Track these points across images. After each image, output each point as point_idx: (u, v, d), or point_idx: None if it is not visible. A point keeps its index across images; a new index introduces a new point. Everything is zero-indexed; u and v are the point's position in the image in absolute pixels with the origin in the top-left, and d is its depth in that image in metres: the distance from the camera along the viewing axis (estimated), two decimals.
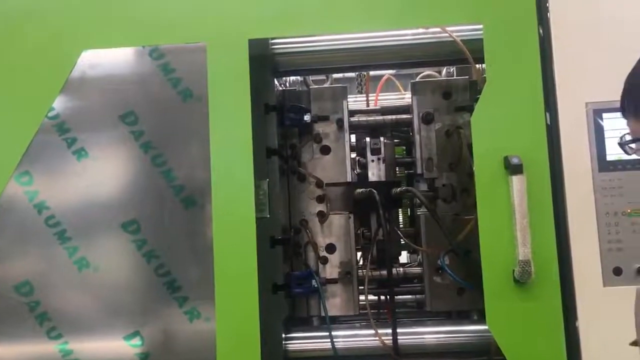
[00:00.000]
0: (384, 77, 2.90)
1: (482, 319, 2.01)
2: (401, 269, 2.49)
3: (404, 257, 2.97)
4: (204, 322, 1.92)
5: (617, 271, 1.85)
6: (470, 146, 2.18)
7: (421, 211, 2.36)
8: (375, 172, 2.46)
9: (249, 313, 1.89)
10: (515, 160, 1.86)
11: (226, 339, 1.89)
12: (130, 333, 1.95)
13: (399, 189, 2.34)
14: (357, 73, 3.21)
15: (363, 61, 2.35)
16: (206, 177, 1.92)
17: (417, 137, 2.37)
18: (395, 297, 2.33)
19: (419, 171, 2.36)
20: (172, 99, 1.99)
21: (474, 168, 2.06)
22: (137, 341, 1.94)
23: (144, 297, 1.97)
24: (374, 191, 2.25)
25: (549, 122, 1.93)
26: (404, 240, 2.42)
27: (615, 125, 1.87)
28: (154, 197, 1.98)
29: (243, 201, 1.92)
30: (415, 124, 2.38)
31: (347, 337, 2.18)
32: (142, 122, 1.99)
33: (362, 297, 2.29)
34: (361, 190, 2.31)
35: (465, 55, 2.11)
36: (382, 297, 2.50)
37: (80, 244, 1.97)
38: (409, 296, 2.62)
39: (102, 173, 1.99)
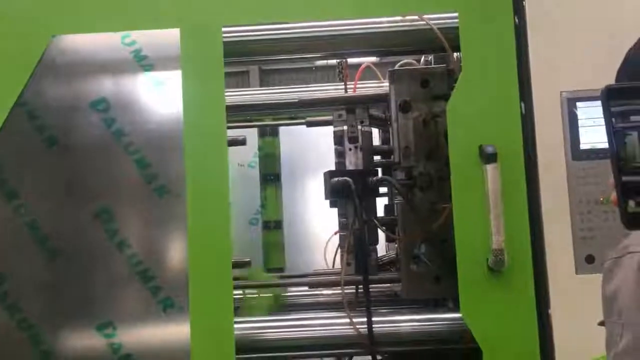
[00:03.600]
0: (363, 65, 2.89)
1: (457, 307, 2.03)
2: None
3: (382, 246, 2.97)
4: (178, 312, 1.91)
5: (590, 259, 1.87)
6: (447, 135, 2.18)
7: (399, 200, 2.36)
8: (353, 160, 2.45)
9: (223, 302, 1.89)
10: (489, 149, 1.86)
11: (200, 329, 1.88)
12: (103, 323, 1.94)
13: (375, 177, 2.33)
14: (337, 61, 3.20)
15: (340, 49, 2.33)
16: (180, 165, 1.90)
17: (394, 125, 2.36)
18: (372, 285, 2.33)
19: (396, 159, 2.36)
20: (144, 86, 1.96)
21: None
22: (110, 331, 1.93)
23: (117, 286, 1.95)
24: (350, 180, 2.24)
25: (523, 112, 1.94)
26: (380, 229, 2.41)
27: (590, 115, 1.89)
28: (126, 186, 1.96)
29: (218, 189, 1.90)
30: (393, 113, 2.37)
31: (322, 326, 2.18)
32: (114, 109, 1.96)
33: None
34: (337, 179, 2.30)
35: (442, 43, 2.10)
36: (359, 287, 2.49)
37: (52, 233, 1.94)
38: (385, 284, 2.62)
39: (73, 161, 1.96)
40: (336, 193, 2.31)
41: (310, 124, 2.85)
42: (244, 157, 3.51)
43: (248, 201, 3.22)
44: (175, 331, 1.92)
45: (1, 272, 1.93)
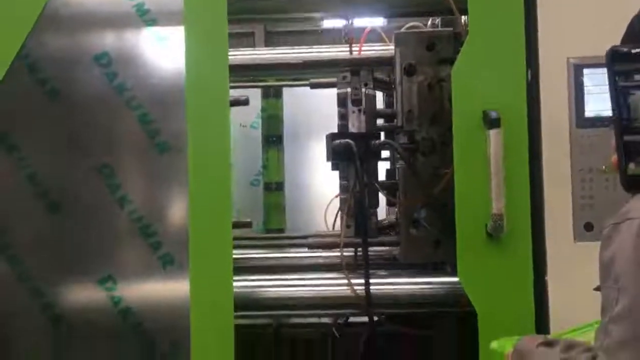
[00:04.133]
0: (368, 28, 2.85)
1: (455, 272, 2.05)
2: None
3: (382, 210, 2.98)
4: (177, 269, 1.93)
5: (588, 227, 1.87)
6: (451, 99, 2.17)
7: (400, 164, 2.36)
8: (356, 123, 2.44)
9: (223, 260, 1.90)
10: (493, 115, 1.85)
11: (199, 286, 1.90)
12: (103, 276, 1.96)
13: (378, 141, 2.32)
14: (343, 24, 3.15)
15: (347, 8, 2.30)
16: (183, 121, 1.89)
17: (398, 88, 2.34)
18: (370, 248, 2.34)
19: (399, 123, 2.35)
20: (147, 41, 1.94)
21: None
22: (110, 284, 1.95)
23: (118, 241, 1.97)
24: (352, 143, 2.24)
25: (529, 78, 1.92)
26: (381, 193, 2.41)
27: (596, 82, 1.87)
28: (128, 141, 1.95)
29: (219, 147, 1.90)
30: (398, 76, 2.35)
31: (320, 286, 2.21)
32: (116, 63, 1.94)
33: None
34: (339, 141, 2.30)
35: (450, 5, 2.07)
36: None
37: (52, 186, 1.95)
38: (384, 248, 2.63)
39: (75, 115, 1.96)
40: (338, 155, 2.31)
41: (313, 86, 2.83)
42: (246, 118, 3.49)
43: (250, 162, 3.21)
44: (175, 287, 1.94)
45: (2, 224, 1.95)
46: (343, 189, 2.42)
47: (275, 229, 3.04)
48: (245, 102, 2.60)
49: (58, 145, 1.97)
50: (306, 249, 2.60)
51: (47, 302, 1.94)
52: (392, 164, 2.75)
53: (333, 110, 2.57)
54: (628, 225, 1.14)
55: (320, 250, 2.61)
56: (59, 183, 1.95)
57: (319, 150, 3.14)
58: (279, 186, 3.17)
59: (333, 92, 2.59)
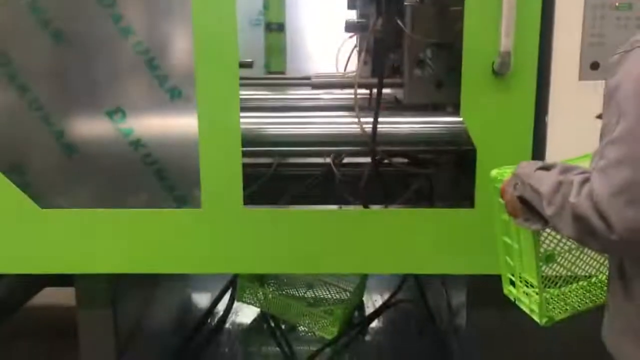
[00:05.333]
0: None
1: (456, 112, 2.08)
2: None
3: None
4: (185, 102, 1.95)
5: (595, 65, 1.87)
6: None
7: (408, 2, 2.28)
8: None
9: (230, 95, 1.93)
10: None
11: (207, 121, 1.93)
12: (112, 109, 1.98)
13: None
14: None
15: None
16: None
17: None
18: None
19: None
20: None
21: None
22: (119, 117, 1.98)
23: (124, 73, 1.96)
24: None
25: None
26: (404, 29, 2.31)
27: None
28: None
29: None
30: None
31: (325, 124, 2.25)
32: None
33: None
34: None
35: None
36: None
37: (56, 15, 1.90)
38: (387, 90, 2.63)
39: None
40: None
41: None
42: None
43: (250, 1, 3.10)
44: (183, 122, 1.97)
45: (8, 53, 1.92)
46: (362, 27, 2.36)
47: (276, 72, 3.01)
48: None
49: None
50: (307, 90, 2.61)
51: (58, 130, 1.98)
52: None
53: None
54: (636, 53, 1.15)
55: (323, 90, 2.63)
56: (62, 11, 1.90)
57: None
58: (280, 27, 3.09)
59: None
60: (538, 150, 1.96)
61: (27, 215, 2.00)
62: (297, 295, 3.27)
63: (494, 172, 1.53)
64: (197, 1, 1.86)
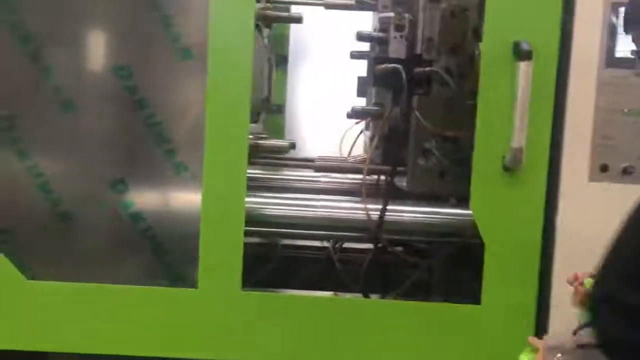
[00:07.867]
0: None
1: (460, 204, 2.06)
2: None
3: None
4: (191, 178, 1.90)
5: (604, 168, 1.89)
6: (475, 30, 2.11)
7: (418, 92, 2.30)
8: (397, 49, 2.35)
9: (236, 171, 1.88)
10: (525, 46, 1.82)
11: (212, 197, 1.88)
12: (114, 179, 1.92)
13: (423, 68, 2.24)
14: None
15: None
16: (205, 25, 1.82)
17: (421, 15, 2.28)
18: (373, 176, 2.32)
19: (417, 51, 2.29)
20: None
21: (476, 52, 2.03)
22: (121, 187, 1.92)
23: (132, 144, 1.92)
24: (400, 67, 2.17)
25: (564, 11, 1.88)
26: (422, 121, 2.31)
27: None
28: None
29: (240, 52, 1.84)
30: (422, 1, 2.27)
31: (329, 208, 2.21)
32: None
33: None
34: (385, 65, 2.23)
35: None
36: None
37: (66, 84, 1.87)
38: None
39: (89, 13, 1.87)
40: (382, 80, 2.23)
41: (328, 6, 2.74)
42: None
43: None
44: (187, 197, 1.92)
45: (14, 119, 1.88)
46: (375, 114, 2.36)
47: None
48: None
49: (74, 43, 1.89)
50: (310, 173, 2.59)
51: (56, 197, 1.90)
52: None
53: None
54: None
55: (325, 174, 2.61)
56: (73, 80, 1.88)
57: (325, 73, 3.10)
58: (279, 109, 3.11)
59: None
60: (546, 243, 1.93)
61: (10, 286, 1.89)
62: None
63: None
64: (212, 80, 1.85)
